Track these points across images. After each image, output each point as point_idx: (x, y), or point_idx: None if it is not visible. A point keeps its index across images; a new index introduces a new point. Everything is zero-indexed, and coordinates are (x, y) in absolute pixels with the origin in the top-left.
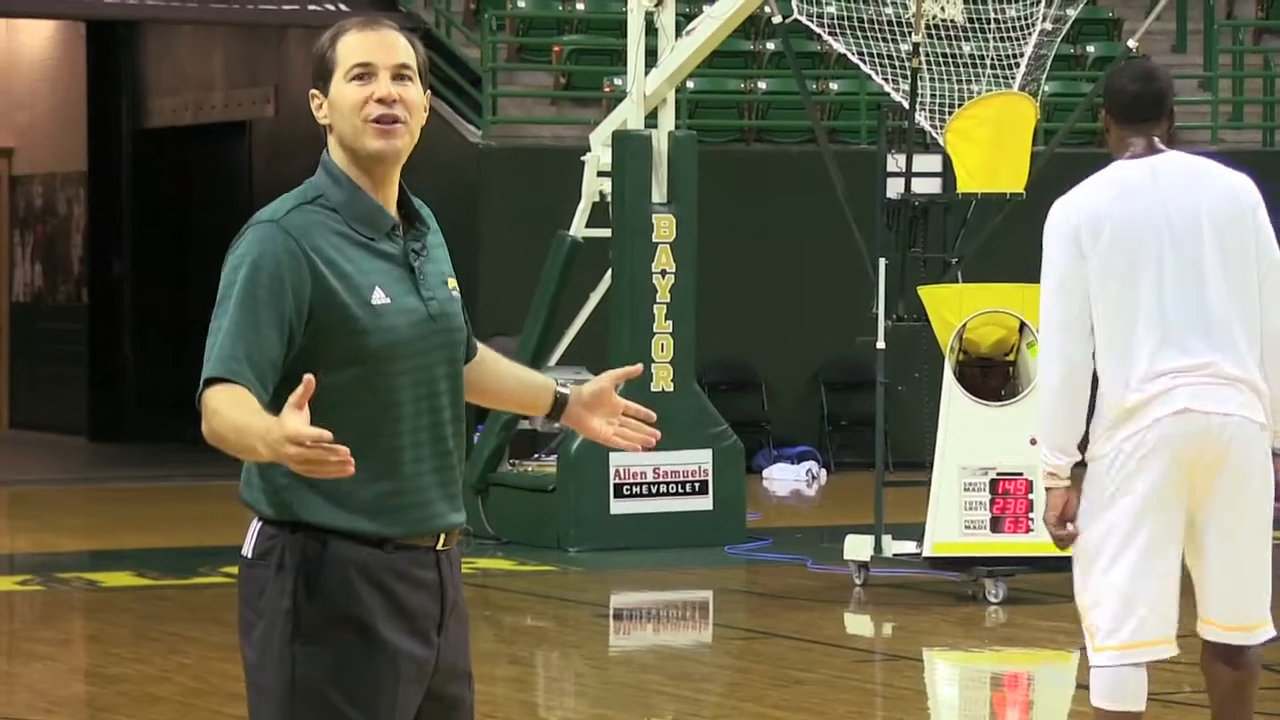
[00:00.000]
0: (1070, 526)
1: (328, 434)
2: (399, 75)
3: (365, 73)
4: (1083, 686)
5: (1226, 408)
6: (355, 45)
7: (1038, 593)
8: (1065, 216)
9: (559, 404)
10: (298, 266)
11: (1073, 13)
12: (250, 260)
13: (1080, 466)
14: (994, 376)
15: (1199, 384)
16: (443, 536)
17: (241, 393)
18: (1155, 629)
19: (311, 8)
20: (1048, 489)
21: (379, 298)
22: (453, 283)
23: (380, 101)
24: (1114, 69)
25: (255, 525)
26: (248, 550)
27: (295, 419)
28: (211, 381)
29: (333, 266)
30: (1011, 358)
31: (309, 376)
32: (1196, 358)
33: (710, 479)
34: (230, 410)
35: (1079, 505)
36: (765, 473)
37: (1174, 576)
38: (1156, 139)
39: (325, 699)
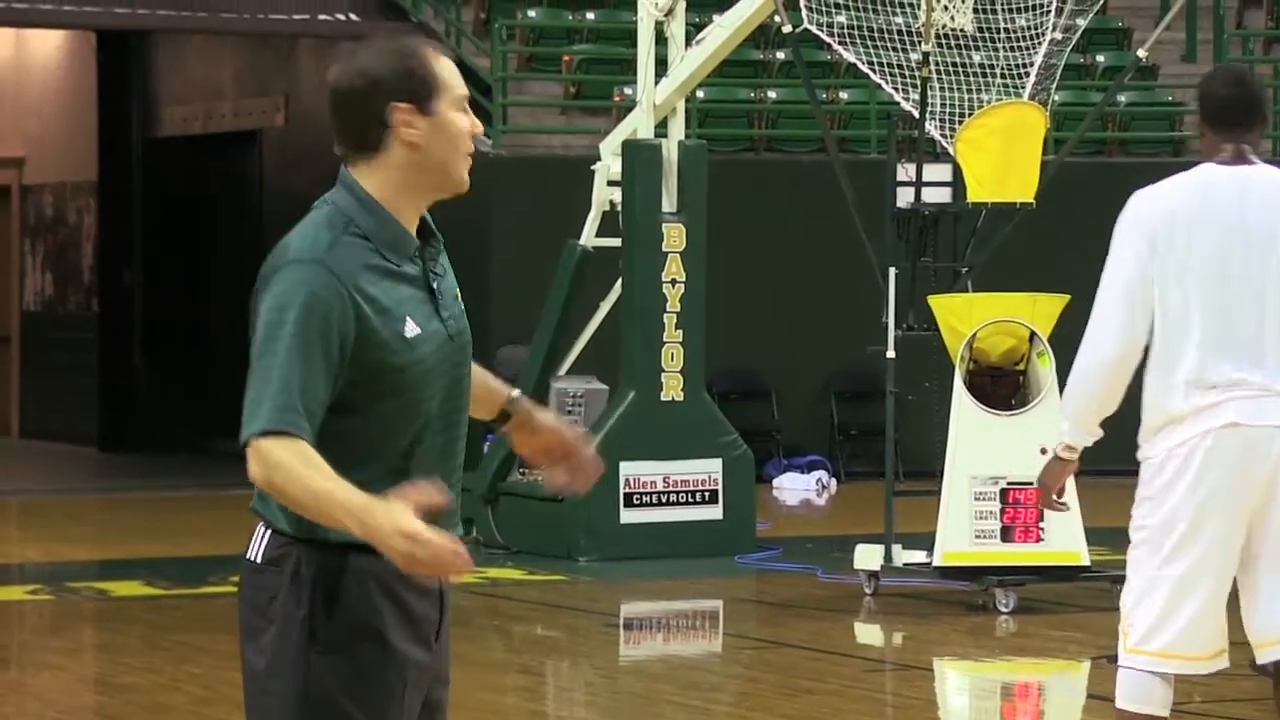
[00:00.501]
0: (1060, 498)
1: (456, 545)
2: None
3: (465, 103)
4: (1094, 696)
5: (1275, 420)
6: (452, 72)
7: (1048, 602)
8: (1141, 210)
9: (504, 415)
10: (344, 310)
11: (1082, 22)
12: (301, 303)
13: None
14: (1004, 386)
15: (1246, 398)
16: None
17: (308, 452)
18: (1194, 642)
19: (322, 17)
20: (1059, 458)
21: (411, 329)
22: (458, 293)
23: (473, 137)
24: (1207, 74)
25: (265, 531)
26: (255, 555)
27: (413, 518)
28: (268, 431)
29: (373, 304)
30: (1022, 367)
31: (441, 497)
32: (1243, 372)
33: (720, 488)
34: (305, 471)
35: (1138, 494)
36: (775, 482)
37: (1223, 592)
38: (1246, 147)
39: (340, 707)
